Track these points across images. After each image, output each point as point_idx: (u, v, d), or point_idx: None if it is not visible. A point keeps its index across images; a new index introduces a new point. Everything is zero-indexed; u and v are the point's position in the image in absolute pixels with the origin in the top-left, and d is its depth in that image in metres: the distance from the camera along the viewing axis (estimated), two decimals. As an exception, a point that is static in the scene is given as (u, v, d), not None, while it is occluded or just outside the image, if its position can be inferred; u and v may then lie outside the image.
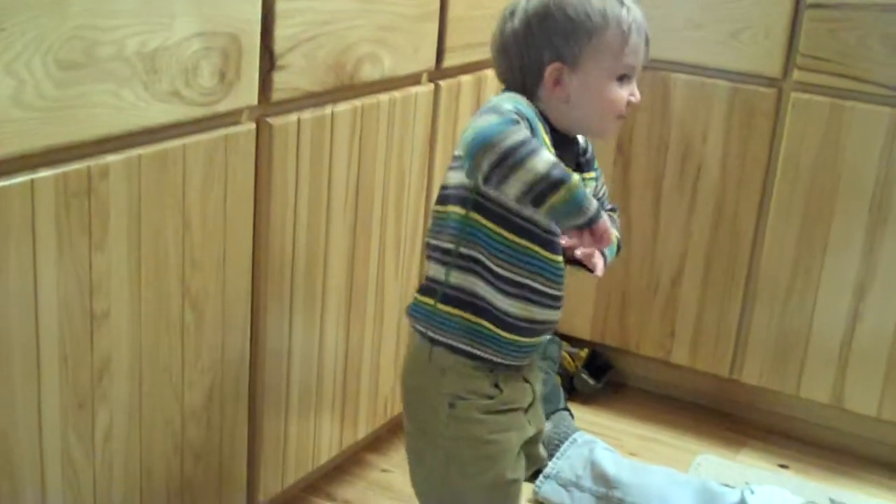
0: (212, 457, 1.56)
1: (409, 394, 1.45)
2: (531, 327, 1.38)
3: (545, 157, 1.20)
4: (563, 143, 1.37)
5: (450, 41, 1.85)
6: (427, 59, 1.81)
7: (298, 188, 1.58)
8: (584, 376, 2.32)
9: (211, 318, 1.49)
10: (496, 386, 1.39)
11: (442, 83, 1.87)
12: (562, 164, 1.22)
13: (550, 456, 1.97)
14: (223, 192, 1.46)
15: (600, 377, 2.35)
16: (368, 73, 1.66)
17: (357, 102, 1.66)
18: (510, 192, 1.21)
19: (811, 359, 2.14)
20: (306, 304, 1.67)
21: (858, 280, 2.05)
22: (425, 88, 1.83)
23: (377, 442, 2.09)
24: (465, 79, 1.93)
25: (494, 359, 1.38)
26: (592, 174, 1.44)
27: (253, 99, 1.46)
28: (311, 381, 1.72)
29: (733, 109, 2.10)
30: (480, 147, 1.20)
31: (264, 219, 1.54)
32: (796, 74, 2.04)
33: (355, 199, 1.71)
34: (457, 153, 1.34)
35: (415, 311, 1.41)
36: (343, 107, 1.64)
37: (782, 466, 2.15)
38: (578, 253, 1.39)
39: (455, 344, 1.37)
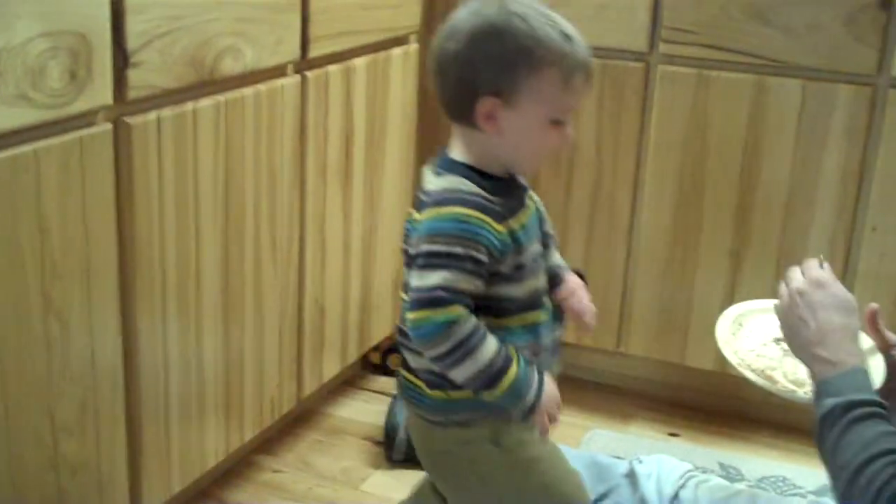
0: (90, 470, 1.51)
1: (436, 459, 1.42)
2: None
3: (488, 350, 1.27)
4: (506, 189, 1.33)
5: (315, 31, 1.82)
6: (291, 51, 1.78)
7: (163, 189, 1.54)
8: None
9: (77, 328, 1.44)
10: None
11: (309, 74, 1.84)
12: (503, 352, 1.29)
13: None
14: (82, 197, 1.41)
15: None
16: (230, 66, 1.62)
17: (220, 97, 1.63)
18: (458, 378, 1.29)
19: (694, 327, 2.17)
20: (180, 308, 1.62)
21: (734, 247, 2.09)
22: (291, 80, 1.80)
23: (267, 443, 2.05)
24: (333, 69, 1.90)
25: None
26: (533, 204, 1.41)
27: (107, 98, 1.41)
28: (191, 386, 1.68)
29: (604, 86, 2.12)
30: (427, 343, 1.27)
31: (128, 223, 1.50)
32: (662, 47, 2.06)
33: (225, 199, 1.67)
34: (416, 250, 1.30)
35: (424, 405, 1.38)
36: (205, 102, 1.60)
37: (673, 435, 2.18)
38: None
39: (482, 415, 1.36)
